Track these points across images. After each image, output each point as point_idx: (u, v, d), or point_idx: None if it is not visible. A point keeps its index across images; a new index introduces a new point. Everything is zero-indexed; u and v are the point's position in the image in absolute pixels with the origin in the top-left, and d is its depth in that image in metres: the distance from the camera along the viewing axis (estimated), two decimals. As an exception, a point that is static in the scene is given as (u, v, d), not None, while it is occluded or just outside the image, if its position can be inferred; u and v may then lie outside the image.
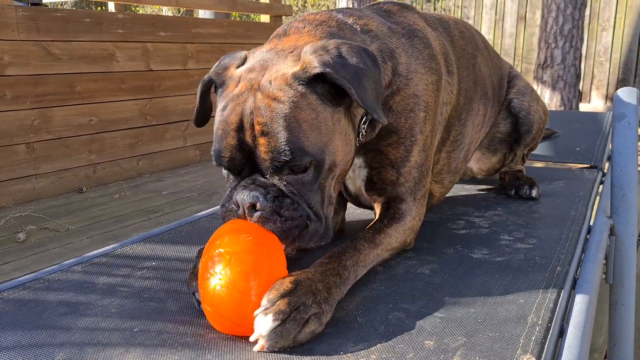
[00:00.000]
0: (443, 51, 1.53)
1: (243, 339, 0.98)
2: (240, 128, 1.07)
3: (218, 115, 1.12)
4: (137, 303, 1.14)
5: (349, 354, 0.94)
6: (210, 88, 1.24)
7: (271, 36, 1.31)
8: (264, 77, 1.10)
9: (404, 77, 1.35)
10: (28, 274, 3.15)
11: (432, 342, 0.97)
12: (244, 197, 1.05)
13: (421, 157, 1.37)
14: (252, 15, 11.08)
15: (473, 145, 1.78)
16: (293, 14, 9.90)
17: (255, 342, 0.94)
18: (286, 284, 0.98)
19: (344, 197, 1.50)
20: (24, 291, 1.20)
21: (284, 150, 1.03)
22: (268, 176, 1.08)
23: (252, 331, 0.95)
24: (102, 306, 1.12)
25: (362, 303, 1.12)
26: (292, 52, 1.16)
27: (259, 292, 0.97)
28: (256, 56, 1.18)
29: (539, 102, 1.98)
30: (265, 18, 7.03)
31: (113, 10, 5.70)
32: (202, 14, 7.85)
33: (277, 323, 0.93)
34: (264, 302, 0.95)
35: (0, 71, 4.25)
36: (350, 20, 1.34)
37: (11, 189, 4.39)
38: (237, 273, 0.97)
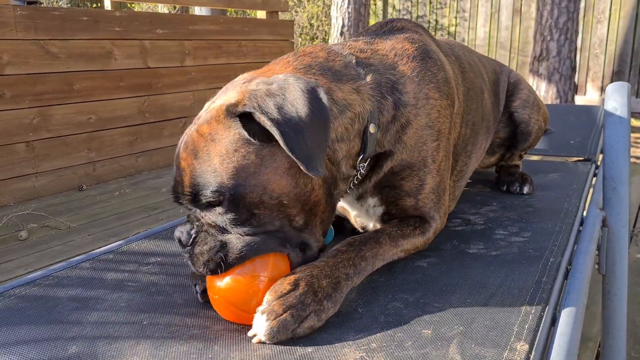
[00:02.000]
0: (454, 77, 1.49)
1: (248, 330, 1.03)
2: (177, 160, 1.08)
3: None
4: (145, 297, 1.18)
5: (350, 343, 0.98)
6: None
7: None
8: (206, 111, 1.10)
9: (413, 107, 1.29)
10: (32, 271, 3.19)
11: (429, 331, 1.01)
12: (175, 233, 1.09)
13: (435, 181, 1.35)
14: (248, 12, 11.07)
15: (471, 172, 1.81)
16: (289, 10, 9.90)
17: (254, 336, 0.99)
18: (285, 285, 1.01)
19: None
20: (34, 288, 1.23)
21: (194, 183, 1.03)
22: (191, 208, 1.08)
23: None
24: (111, 301, 1.16)
25: (363, 294, 1.16)
26: (245, 82, 1.12)
27: (267, 279, 1.03)
28: (223, 88, 1.18)
29: (540, 111, 2.01)
30: (261, 14, 7.04)
31: (109, 8, 5.70)
32: (199, 10, 7.86)
33: (271, 323, 0.97)
34: (263, 302, 1.00)
35: (-1, 70, 4.27)
36: (346, 52, 1.27)
37: (11, 188, 4.42)
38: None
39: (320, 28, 12.12)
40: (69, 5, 12.22)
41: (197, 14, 7.74)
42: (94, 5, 11.35)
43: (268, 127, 0.98)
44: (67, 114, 4.80)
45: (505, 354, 0.94)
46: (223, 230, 1.05)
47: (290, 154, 0.97)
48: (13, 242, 3.64)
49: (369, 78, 1.23)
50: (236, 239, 1.04)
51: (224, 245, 1.04)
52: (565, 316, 1.09)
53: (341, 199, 1.33)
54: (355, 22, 8.08)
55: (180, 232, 1.07)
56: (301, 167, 0.98)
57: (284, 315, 0.98)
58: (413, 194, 1.33)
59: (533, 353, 0.96)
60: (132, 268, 1.34)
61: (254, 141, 1.02)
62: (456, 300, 1.14)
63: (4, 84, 4.31)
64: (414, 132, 1.30)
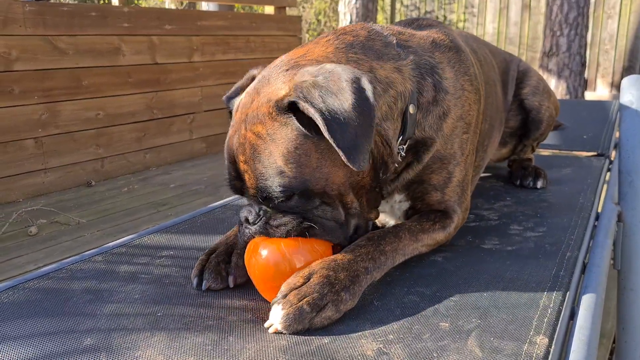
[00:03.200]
0: (479, 73, 1.50)
1: (263, 322, 1.02)
2: (234, 160, 1.11)
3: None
4: (159, 288, 1.18)
5: (366, 334, 0.97)
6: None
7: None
8: (252, 105, 1.10)
9: (452, 95, 1.29)
10: (41, 266, 3.20)
11: (447, 324, 1.00)
12: (242, 213, 1.12)
13: (462, 175, 1.35)
14: (255, 7, 11.06)
15: (484, 166, 1.80)
16: (297, 5, 9.88)
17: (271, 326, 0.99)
18: (298, 277, 1.03)
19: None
20: (48, 281, 1.23)
21: (262, 186, 1.06)
22: (252, 201, 1.12)
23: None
24: (125, 293, 1.16)
25: (378, 287, 1.15)
26: (287, 69, 1.12)
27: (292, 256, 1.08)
28: (263, 72, 1.18)
29: (551, 99, 1.99)
30: (269, 10, 7.02)
31: (117, 4, 5.70)
32: (206, 6, 7.85)
33: (287, 310, 0.97)
34: (279, 293, 1.01)
35: (8, 66, 4.28)
36: (386, 32, 1.27)
37: (21, 184, 4.43)
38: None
39: (328, 24, 12.09)
40: (77, 1, 12.26)
41: (205, 9, 7.73)
42: (102, 1, 11.38)
43: (312, 116, 0.99)
44: (76, 109, 4.81)
45: (525, 347, 0.93)
46: (294, 214, 1.09)
47: (333, 144, 0.98)
48: (23, 238, 3.66)
49: (409, 58, 1.24)
50: (311, 220, 1.08)
51: (304, 221, 1.08)
52: (584, 310, 1.08)
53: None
54: (363, 18, 8.05)
55: (248, 212, 1.10)
56: (343, 159, 0.98)
57: (300, 303, 0.98)
58: (440, 188, 1.32)
59: (553, 346, 0.94)
60: (145, 261, 1.33)
61: (310, 135, 1.04)
62: (473, 293, 1.13)
63: (13, 80, 4.32)
64: (452, 122, 1.30)
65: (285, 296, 1.00)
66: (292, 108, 1.03)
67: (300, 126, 1.04)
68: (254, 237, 1.11)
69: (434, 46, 1.33)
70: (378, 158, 1.16)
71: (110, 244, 1.45)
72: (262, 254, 1.07)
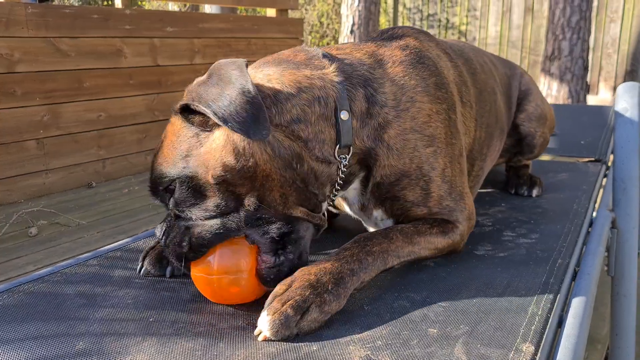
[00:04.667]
0: (459, 81, 1.47)
1: (253, 328, 1.03)
2: None
3: None
4: (152, 293, 1.19)
5: (355, 340, 0.98)
6: None
7: None
8: None
9: (392, 108, 1.26)
10: (41, 267, 3.22)
11: (435, 330, 1.01)
12: (156, 229, 1.18)
13: (443, 189, 1.30)
14: (257, 10, 11.09)
15: (485, 175, 1.79)
16: (299, 8, 9.90)
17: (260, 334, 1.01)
18: (280, 286, 1.05)
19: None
20: (42, 284, 1.24)
21: (152, 177, 1.13)
22: (155, 199, 1.17)
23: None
24: (118, 297, 1.17)
25: (369, 291, 1.16)
26: None
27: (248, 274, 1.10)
28: None
29: (547, 124, 2.01)
30: (271, 12, 7.04)
31: (119, 6, 5.73)
32: (208, 9, 7.88)
33: (273, 317, 0.98)
34: (266, 302, 1.03)
35: (10, 68, 4.30)
36: (315, 50, 1.29)
37: (22, 185, 4.46)
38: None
39: (330, 26, 12.10)
40: (79, 3, 12.31)
41: (207, 11, 7.75)
42: (105, 3, 11.42)
43: (194, 107, 1.06)
44: (77, 111, 4.83)
45: (511, 355, 0.94)
46: (186, 219, 1.11)
47: (213, 117, 1.02)
48: (23, 239, 3.68)
49: (333, 66, 1.23)
50: (197, 225, 1.10)
51: (186, 230, 1.10)
52: (572, 318, 1.09)
53: (350, 210, 1.37)
54: (365, 20, 8.06)
55: (156, 229, 1.16)
56: (220, 123, 1.02)
57: (283, 307, 0.99)
58: (422, 204, 1.30)
59: (539, 355, 0.95)
60: (138, 267, 1.34)
61: (193, 127, 1.10)
62: (462, 300, 1.13)
63: (15, 82, 4.35)
64: (398, 134, 1.26)
65: (270, 303, 1.02)
66: (185, 110, 1.11)
67: (186, 122, 1.11)
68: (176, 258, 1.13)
69: (377, 62, 1.31)
70: (284, 151, 1.11)
71: (105, 247, 1.46)
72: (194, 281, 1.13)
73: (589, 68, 8.11)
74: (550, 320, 1.06)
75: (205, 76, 1.11)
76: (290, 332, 0.98)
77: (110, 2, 11.04)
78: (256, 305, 1.12)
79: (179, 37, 5.63)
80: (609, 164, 2.39)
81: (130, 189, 4.84)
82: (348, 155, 1.21)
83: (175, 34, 5.58)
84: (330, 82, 1.20)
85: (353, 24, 8.11)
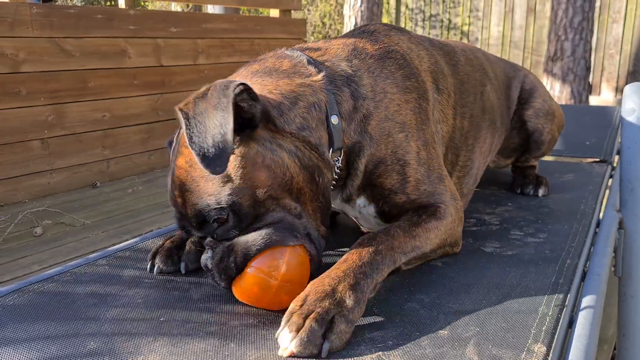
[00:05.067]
0: (432, 69, 1.51)
1: (264, 328, 1.03)
2: (173, 199, 1.15)
3: None
4: (162, 293, 1.19)
5: (366, 340, 0.98)
6: None
7: None
8: (176, 140, 1.18)
9: (371, 100, 1.32)
10: (46, 267, 3.23)
11: (446, 332, 1.01)
12: (202, 260, 1.14)
13: (420, 173, 1.33)
14: (261, 10, 11.10)
15: (481, 170, 1.80)
16: (302, 8, 9.90)
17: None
18: (293, 303, 1.01)
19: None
20: (52, 284, 1.25)
21: (193, 214, 1.09)
22: (197, 233, 1.14)
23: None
24: (128, 297, 1.17)
25: (378, 294, 1.16)
26: None
27: (280, 277, 1.08)
28: None
29: (554, 121, 2.01)
30: (274, 13, 7.04)
31: (123, 7, 5.74)
32: (212, 9, 7.89)
33: (294, 334, 0.94)
34: (282, 321, 0.99)
35: (15, 68, 4.31)
36: (297, 53, 1.33)
37: (26, 184, 4.46)
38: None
39: (333, 27, 12.11)
40: (83, 3, 12.33)
41: (210, 12, 7.76)
42: (108, 3, 11.44)
43: (179, 120, 1.03)
44: (82, 111, 4.83)
45: (523, 356, 0.94)
46: (232, 237, 1.10)
47: (188, 144, 0.99)
48: (28, 239, 3.68)
49: (321, 74, 1.28)
50: (240, 239, 1.09)
51: (232, 249, 1.09)
52: (583, 318, 1.09)
53: (332, 202, 1.36)
54: (368, 21, 8.06)
55: (205, 260, 1.12)
56: (196, 159, 0.99)
57: (307, 323, 0.95)
58: (400, 190, 1.32)
59: (551, 355, 0.95)
60: (148, 266, 1.35)
61: None
62: (472, 300, 1.13)
63: (20, 82, 4.36)
64: (376, 124, 1.32)
65: (289, 319, 0.97)
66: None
67: None
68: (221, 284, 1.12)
69: (354, 55, 1.37)
70: (307, 161, 1.17)
71: (114, 247, 1.46)
72: (241, 284, 1.09)
73: (592, 69, 8.10)
74: (561, 320, 1.06)
75: (201, 93, 1.07)
76: (317, 347, 0.93)
77: (113, 3, 11.06)
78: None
79: (183, 38, 5.64)
80: (615, 164, 2.39)
81: (134, 189, 4.85)
82: (340, 157, 1.26)
83: (179, 35, 5.59)
84: (319, 87, 1.25)
85: (355, 25, 8.10)
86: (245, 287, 1.08)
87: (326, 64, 1.32)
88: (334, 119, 1.24)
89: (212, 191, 1.07)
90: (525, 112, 1.96)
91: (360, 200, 1.35)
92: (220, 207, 1.07)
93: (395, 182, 1.31)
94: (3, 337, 1.02)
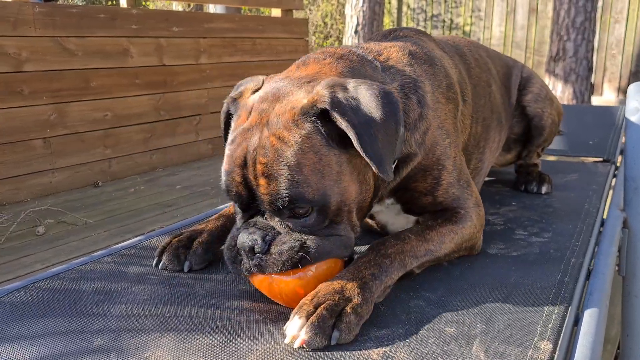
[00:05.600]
0: (459, 79, 1.52)
1: (271, 323, 1.03)
2: (244, 164, 1.06)
3: (227, 148, 1.12)
4: (167, 289, 1.19)
5: (373, 337, 0.99)
6: (231, 115, 1.21)
7: (291, 66, 1.28)
8: (274, 110, 1.07)
9: (432, 109, 1.31)
10: (49, 266, 3.23)
11: (452, 329, 1.01)
12: (243, 240, 1.06)
13: (453, 176, 1.34)
14: (262, 10, 11.10)
15: (489, 166, 1.80)
16: (304, 8, 9.91)
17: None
18: (304, 299, 1.02)
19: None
20: (58, 281, 1.25)
21: (282, 195, 1.02)
22: (267, 217, 1.07)
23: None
24: (134, 293, 1.18)
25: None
26: (309, 82, 1.12)
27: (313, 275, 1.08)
28: (272, 83, 1.16)
29: (553, 105, 2.00)
30: (276, 12, 7.05)
31: (125, 6, 5.74)
32: (213, 8, 7.89)
33: (305, 320, 0.95)
34: (292, 314, 0.99)
35: (18, 67, 4.32)
36: (370, 57, 1.30)
37: (28, 184, 4.47)
38: None
39: (334, 26, 12.11)
40: (85, 3, 12.35)
41: (212, 11, 7.76)
42: (111, 2, 11.45)
43: (344, 128, 1.00)
44: (84, 110, 4.84)
45: (530, 353, 0.94)
46: (300, 233, 1.06)
47: (365, 156, 1.00)
48: (30, 237, 3.68)
49: (395, 84, 1.26)
50: (313, 240, 1.06)
51: (303, 245, 1.05)
52: (589, 316, 1.09)
53: None
54: (369, 21, 8.06)
55: (252, 240, 1.05)
56: (374, 169, 1.01)
57: (318, 310, 0.97)
58: (429, 193, 1.33)
59: (557, 352, 0.95)
60: (154, 262, 1.35)
61: (334, 147, 1.05)
62: (478, 298, 1.14)
63: (22, 81, 4.36)
64: (431, 133, 1.31)
65: (300, 308, 0.99)
66: (319, 117, 1.04)
67: (325, 136, 1.05)
68: (250, 272, 1.07)
69: (412, 59, 1.35)
70: (377, 177, 1.18)
71: (119, 245, 1.47)
72: (284, 279, 1.06)
73: (594, 69, 8.09)
74: (567, 318, 1.06)
75: (350, 90, 1.05)
76: (327, 337, 0.94)
77: (114, 2, 11.07)
78: (272, 301, 1.12)
79: (185, 37, 5.64)
80: (618, 164, 2.39)
81: (136, 189, 4.85)
82: (393, 165, 1.22)
83: (181, 34, 5.59)
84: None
85: (357, 25, 8.10)
86: (287, 284, 1.06)
87: (393, 70, 1.30)
88: (400, 130, 1.16)
89: (312, 184, 1.02)
90: (524, 97, 1.96)
91: (389, 200, 1.36)
92: (311, 203, 1.03)
93: (429, 185, 1.32)
94: (10, 334, 1.02)
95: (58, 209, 4.14)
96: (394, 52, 1.35)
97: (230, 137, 1.13)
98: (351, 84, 1.07)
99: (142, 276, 1.27)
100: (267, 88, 1.14)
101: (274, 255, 1.04)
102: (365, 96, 1.05)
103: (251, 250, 1.05)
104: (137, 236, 1.55)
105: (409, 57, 1.35)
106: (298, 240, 1.05)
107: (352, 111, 1.02)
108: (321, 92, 1.05)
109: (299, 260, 1.04)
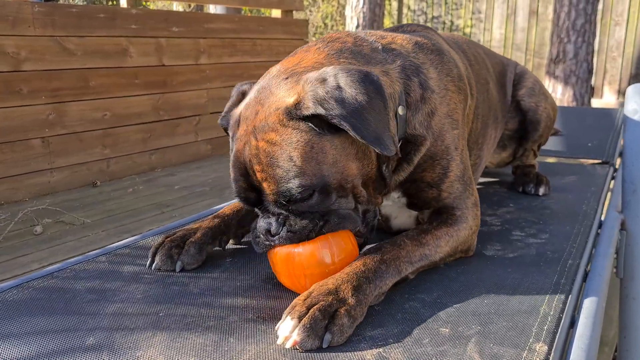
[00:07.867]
0: (467, 74, 1.53)
1: (264, 323, 1.03)
2: (246, 172, 1.13)
3: (230, 158, 1.19)
4: (161, 288, 1.19)
5: (367, 338, 0.98)
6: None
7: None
8: (258, 116, 1.12)
9: (438, 95, 1.33)
10: (46, 265, 3.22)
11: (447, 330, 1.01)
12: (260, 226, 1.15)
13: (460, 169, 1.35)
14: (262, 11, 11.10)
15: (484, 165, 1.81)
16: (304, 9, 9.91)
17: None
18: (297, 299, 1.03)
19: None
20: (52, 280, 1.24)
21: (283, 192, 1.08)
22: (277, 209, 1.13)
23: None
24: (127, 292, 1.17)
25: (379, 293, 1.15)
26: (286, 78, 1.15)
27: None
28: (255, 86, 1.21)
29: (548, 100, 2.00)
30: (276, 13, 7.05)
31: (125, 6, 5.74)
32: (213, 9, 7.89)
33: (297, 321, 0.95)
34: (283, 315, 0.99)
35: (16, 66, 4.31)
36: (371, 38, 1.32)
37: (27, 183, 4.46)
38: None
39: (335, 28, 12.11)
40: (85, 2, 12.34)
41: (212, 12, 7.77)
42: (111, 2, 11.46)
43: (337, 124, 1.04)
44: (83, 110, 4.83)
45: (524, 354, 0.93)
46: (311, 214, 1.11)
47: (363, 141, 1.04)
48: (28, 237, 3.68)
49: (396, 63, 1.28)
50: (321, 217, 1.12)
51: (312, 220, 1.11)
52: (585, 318, 1.08)
53: None
54: (370, 22, 8.07)
55: (267, 224, 1.13)
56: (375, 149, 1.05)
57: (311, 311, 0.97)
58: (435, 185, 1.33)
59: (552, 354, 0.95)
60: (147, 262, 1.34)
61: (324, 133, 1.08)
62: (473, 300, 1.13)
63: (21, 80, 4.36)
64: (439, 119, 1.32)
65: (292, 309, 0.99)
66: (305, 114, 1.06)
67: (314, 127, 1.07)
68: (273, 247, 1.13)
69: (418, 48, 1.37)
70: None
71: (114, 244, 1.46)
72: (307, 245, 1.12)
73: (594, 71, 8.09)
74: (562, 320, 1.05)
75: (330, 82, 1.07)
76: (320, 338, 0.94)
77: (115, 2, 11.07)
78: (265, 298, 1.12)
79: (185, 37, 5.64)
80: (617, 166, 2.38)
81: (134, 189, 4.85)
82: (398, 145, 1.26)
83: (181, 34, 5.59)
84: (396, 77, 1.26)
85: (357, 26, 8.11)
86: (306, 253, 1.11)
87: (396, 52, 1.31)
88: (400, 109, 1.24)
89: (308, 172, 1.07)
90: (518, 92, 1.96)
91: (396, 194, 1.37)
92: (311, 187, 1.08)
93: (436, 175, 1.34)
94: (3, 332, 1.02)
95: (56, 209, 4.14)
96: (399, 39, 1.37)
97: (231, 145, 1.20)
98: (329, 72, 1.09)
99: (136, 275, 1.26)
100: (251, 93, 1.20)
101: (296, 231, 1.11)
102: (347, 83, 1.07)
103: (268, 232, 1.13)
104: (134, 236, 1.54)
105: (414, 46, 1.37)
106: (307, 218, 1.11)
107: (338, 103, 1.04)
108: (302, 93, 1.08)
109: (310, 231, 1.10)
